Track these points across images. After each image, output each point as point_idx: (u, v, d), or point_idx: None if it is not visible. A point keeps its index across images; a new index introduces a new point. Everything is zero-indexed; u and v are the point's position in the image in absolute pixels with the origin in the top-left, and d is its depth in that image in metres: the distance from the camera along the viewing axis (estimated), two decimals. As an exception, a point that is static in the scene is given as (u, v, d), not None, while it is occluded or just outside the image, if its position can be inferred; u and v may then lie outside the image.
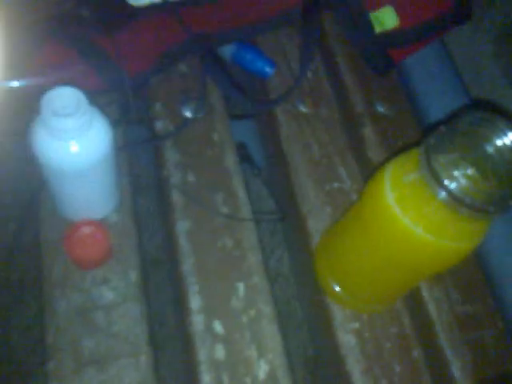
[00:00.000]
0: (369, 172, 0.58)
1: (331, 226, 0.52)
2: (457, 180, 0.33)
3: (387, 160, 0.59)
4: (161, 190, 0.53)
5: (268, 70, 0.60)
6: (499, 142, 0.35)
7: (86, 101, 0.37)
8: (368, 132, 0.61)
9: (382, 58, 0.57)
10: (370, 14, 0.54)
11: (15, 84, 0.44)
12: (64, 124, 0.37)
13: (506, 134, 0.34)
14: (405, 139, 0.62)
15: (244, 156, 0.63)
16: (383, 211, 0.38)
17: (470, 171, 0.33)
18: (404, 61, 0.67)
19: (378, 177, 0.39)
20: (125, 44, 0.49)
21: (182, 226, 0.51)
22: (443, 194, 0.34)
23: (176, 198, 0.52)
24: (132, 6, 0.49)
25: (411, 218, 0.36)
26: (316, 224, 0.54)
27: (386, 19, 0.53)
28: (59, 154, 0.38)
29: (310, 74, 0.63)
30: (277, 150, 0.60)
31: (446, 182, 0.33)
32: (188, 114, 0.57)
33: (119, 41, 0.49)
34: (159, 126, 0.56)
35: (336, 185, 0.57)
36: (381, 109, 0.63)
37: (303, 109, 0.61)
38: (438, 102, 0.67)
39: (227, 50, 0.60)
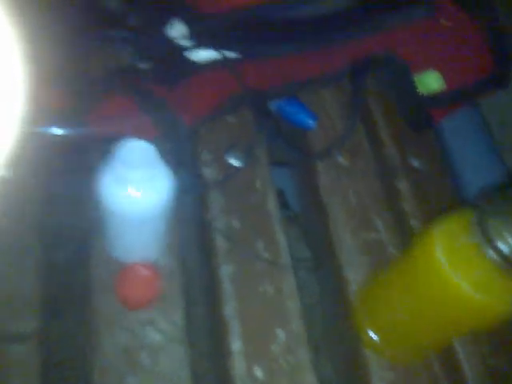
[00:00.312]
0: (404, 224, 0.61)
1: (373, 276, 0.54)
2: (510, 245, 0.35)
3: (421, 211, 0.62)
4: (205, 233, 0.56)
5: (310, 123, 0.63)
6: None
7: (154, 154, 0.40)
8: (403, 185, 0.64)
9: (422, 117, 0.60)
10: (415, 76, 0.57)
11: (77, 132, 0.47)
12: (133, 175, 0.39)
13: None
14: (438, 194, 0.64)
15: (281, 202, 0.65)
16: (433, 271, 0.40)
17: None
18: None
19: (427, 238, 0.41)
20: (182, 96, 0.52)
21: (225, 270, 0.53)
22: (497, 258, 0.36)
23: (220, 242, 0.54)
24: (193, 61, 0.52)
25: (463, 279, 0.38)
26: (353, 273, 0.56)
27: (431, 82, 0.56)
28: (124, 201, 0.41)
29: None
30: (315, 198, 0.62)
31: (501, 247, 0.35)
32: (234, 163, 0.59)
33: (177, 92, 0.52)
34: (206, 172, 0.58)
35: (372, 235, 0.59)
36: (415, 163, 0.66)
37: (341, 160, 0.63)
38: (471, 160, 0.69)
39: (273, 102, 0.63)
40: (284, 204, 0.66)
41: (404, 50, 0.56)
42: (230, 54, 0.53)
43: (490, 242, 0.35)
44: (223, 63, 0.52)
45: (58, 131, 0.46)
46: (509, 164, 0.71)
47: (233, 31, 0.53)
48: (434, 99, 0.57)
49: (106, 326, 0.49)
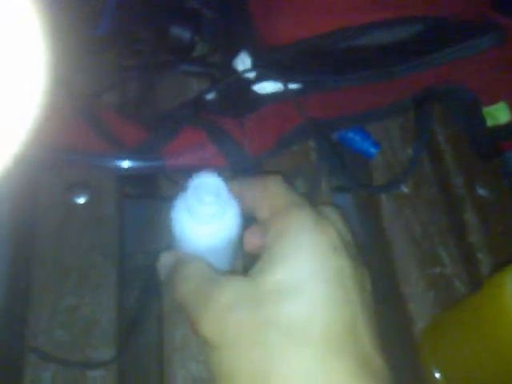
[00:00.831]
0: (471, 258, 0.59)
1: (439, 313, 0.53)
2: None
3: (488, 244, 0.60)
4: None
5: (372, 151, 0.62)
6: None
7: (226, 190, 0.40)
8: (469, 216, 0.62)
9: (490, 148, 0.58)
10: (484, 109, 0.55)
11: (152, 164, 0.49)
12: (206, 210, 0.40)
13: None
14: (506, 225, 0.62)
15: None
16: (502, 319, 0.38)
17: None
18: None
19: (497, 283, 0.40)
20: (248, 127, 0.53)
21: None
22: None
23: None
24: (257, 94, 0.53)
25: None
26: (418, 308, 0.55)
27: (499, 115, 0.54)
28: (196, 234, 0.42)
29: (411, 153, 0.65)
30: (377, 228, 0.61)
31: None
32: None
33: (243, 124, 0.53)
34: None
35: (438, 269, 0.58)
36: (482, 192, 0.64)
37: (405, 189, 0.62)
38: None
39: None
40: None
41: (472, 81, 0.55)
42: (294, 86, 0.53)
43: None
44: (287, 95, 0.52)
45: (133, 166, 0.47)
46: None
47: (296, 63, 0.53)
48: (501, 131, 0.55)
49: (178, 354, 0.49)
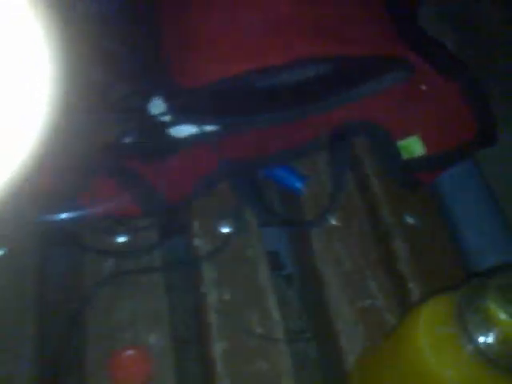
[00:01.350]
0: (402, 288, 0.59)
1: (367, 348, 0.53)
2: (491, 339, 0.34)
3: (419, 273, 0.60)
4: (198, 309, 0.55)
5: (299, 185, 0.62)
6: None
7: None
8: (397, 245, 0.63)
9: (409, 180, 0.59)
10: (398, 143, 0.56)
11: (62, 216, 0.47)
12: None
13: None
14: (437, 252, 0.63)
15: (276, 265, 0.65)
16: (416, 357, 0.38)
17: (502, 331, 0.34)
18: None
19: (412, 320, 0.40)
20: (165, 172, 0.52)
21: (219, 348, 0.52)
22: (477, 353, 0.34)
23: (213, 317, 0.53)
24: (173, 138, 0.52)
25: (445, 370, 0.36)
26: (349, 343, 0.54)
27: (413, 148, 0.56)
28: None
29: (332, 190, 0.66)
30: (308, 263, 0.61)
31: (480, 341, 0.34)
32: (225, 231, 0.59)
33: (160, 169, 0.52)
34: (197, 243, 0.58)
35: (368, 302, 0.58)
36: (410, 220, 0.65)
37: (334, 222, 0.63)
38: (469, 215, 0.68)
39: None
40: (279, 266, 0.65)
41: (384, 116, 0.56)
42: (211, 128, 0.53)
43: (469, 336, 0.34)
44: (204, 138, 0.52)
45: (53, 218, 0.46)
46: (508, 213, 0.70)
47: (211, 105, 0.53)
48: (418, 164, 0.56)
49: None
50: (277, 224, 0.60)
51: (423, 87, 0.55)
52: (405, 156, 0.57)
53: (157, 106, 0.53)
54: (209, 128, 0.54)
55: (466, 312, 0.35)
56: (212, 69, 0.53)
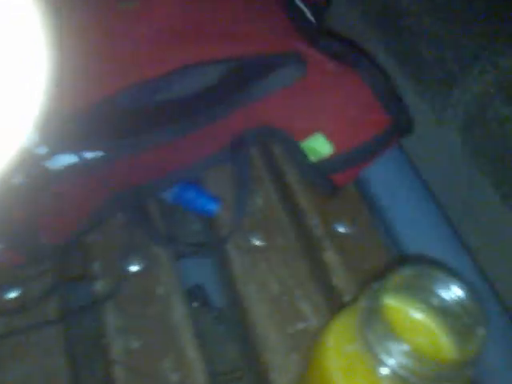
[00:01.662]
0: (337, 303, 0.53)
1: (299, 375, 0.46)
2: (396, 354, 0.28)
3: (355, 284, 0.55)
4: (103, 363, 0.48)
5: (212, 207, 0.56)
6: (445, 295, 0.30)
7: None
8: (329, 256, 0.57)
9: (325, 184, 0.53)
10: (301, 144, 0.51)
11: None
12: None
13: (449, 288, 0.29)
14: (372, 258, 0.57)
15: (201, 300, 0.58)
16: (325, 380, 0.32)
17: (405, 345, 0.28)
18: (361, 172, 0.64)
19: (321, 339, 0.34)
20: (44, 212, 0.45)
21: (126, 406, 0.44)
22: (384, 369, 0.28)
23: (118, 371, 0.46)
24: (50, 170, 0.46)
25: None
26: (279, 376, 0.48)
27: (320, 147, 0.50)
28: None
29: (260, 202, 0.60)
30: (231, 290, 0.55)
31: (384, 358, 0.28)
32: (131, 268, 0.52)
33: (39, 208, 0.45)
34: (99, 286, 0.51)
35: (301, 325, 0.51)
36: (341, 229, 0.59)
37: (256, 242, 0.57)
38: (402, 210, 0.63)
39: (168, 191, 0.57)
40: (205, 302, 0.58)
41: (283, 117, 0.50)
42: (94, 155, 0.47)
43: (372, 352, 0.28)
44: (86, 166, 0.46)
45: None
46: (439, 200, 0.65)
47: (92, 129, 0.47)
48: (327, 164, 0.51)
49: None
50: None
51: (321, 81, 0.50)
52: (313, 158, 0.51)
53: (27, 138, 0.46)
54: (91, 155, 0.48)
55: (366, 324, 0.29)
56: (84, 91, 0.47)
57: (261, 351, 0.49)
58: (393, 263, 0.56)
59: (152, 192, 0.51)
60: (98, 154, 0.48)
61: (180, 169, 0.50)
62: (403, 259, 0.58)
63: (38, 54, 0.18)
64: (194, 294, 0.58)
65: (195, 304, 0.58)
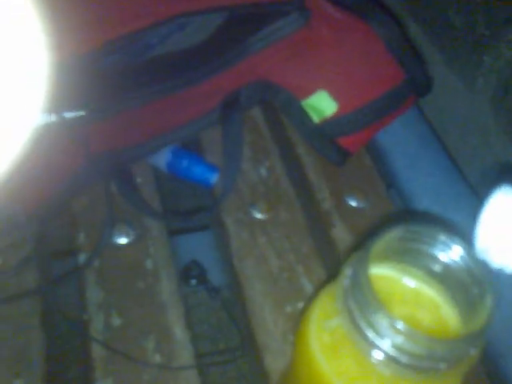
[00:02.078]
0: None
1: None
2: (384, 330, 0.23)
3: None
4: (82, 340, 0.44)
5: (209, 176, 0.52)
6: (446, 259, 0.24)
7: None
8: (338, 231, 0.51)
9: (331, 149, 0.48)
10: (303, 102, 0.45)
11: None
12: None
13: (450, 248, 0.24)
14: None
15: (198, 277, 0.54)
16: (307, 361, 0.27)
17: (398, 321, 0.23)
18: (377, 141, 0.59)
19: (305, 316, 0.29)
20: (23, 174, 0.42)
21: (102, 387, 0.40)
22: (372, 350, 0.23)
23: (96, 350, 0.42)
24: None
25: (337, 373, 0.25)
26: (274, 360, 0.43)
27: (323, 106, 0.45)
28: None
29: (263, 172, 0.55)
30: (229, 267, 0.50)
31: (370, 335, 0.23)
32: (118, 241, 0.48)
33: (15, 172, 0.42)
34: (83, 259, 0.47)
35: (300, 304, 0.46)
36: (353, 202, 0.54)
37: (257, 215, 0.52)
38: (423, 184, 0.57)
39: (162, 159, 0.53)
40: (203, 279, 0.54)
41: (282, 73, 0.45)
42: (73, 115, 0.43)
43: (356, 328, 0.23)
44: (64, 127, 0.42)
45: None
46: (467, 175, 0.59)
47: (73, 85, 0.43)
48: (333, 126, 0.45)
49: None
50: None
51: (327, 32, 0.44)
52: (316, 119, 0.46)
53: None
54: (70, 115, 0.44)
55: (349, 296, 0.24)
56: (67, 42, 0.43)
57: (256, 331, 0.45)
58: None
59: (138, 156, 0.46)
60: (79, 113, 0.44)
61: (170, 131, 0.45)
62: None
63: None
64: (191, 270, 0.54)
65: (193, 282, 0.54)
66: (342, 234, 0.51)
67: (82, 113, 0.44)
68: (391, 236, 0.25)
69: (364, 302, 0.23)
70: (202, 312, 0.51)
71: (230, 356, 0.48)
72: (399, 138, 0.60)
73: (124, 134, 0.45)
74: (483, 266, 0.23)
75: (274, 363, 0.43)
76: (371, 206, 0.54)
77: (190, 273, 0.53)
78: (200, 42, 0.45)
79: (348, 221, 0.52)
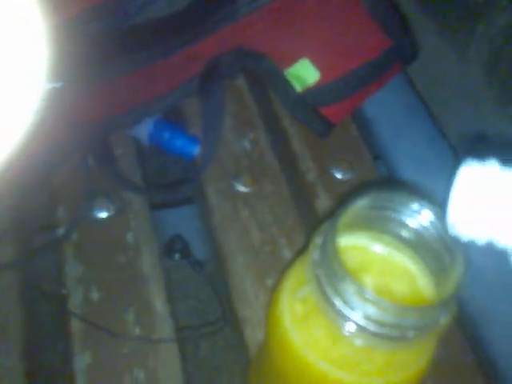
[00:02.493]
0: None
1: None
2: (353, 299, 0.22)
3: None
4: (60, 315, 0.43)
5: (192, 149, 0.51)
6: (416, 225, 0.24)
7: None
8: (322, 204, 0.51)
9: (314, 119, 0.47)
10: (286, 71, 0.44)
11: None
12: None
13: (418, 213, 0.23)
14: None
15: (182, 251, 0.53)
16: (279, 331, 0.27)
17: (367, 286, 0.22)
18: (364, 111, 0.57)
19: (278, 286, 0.29)
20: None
21: (81, 361, 0.40)
22: (341, 320, 0.23)
23: (75, 324, 0.42)
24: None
25: (306, 341, 0.25)
26: (254, 332, 0.43)
27: (306, 74, 0.43)
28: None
29: (247, 145, 0.54)
30: (211, 240, 0.50)
31: (339, 305, 0.22)
32: (98, 214, 0.48)
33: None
34: (62, 233, 0.47)
35: (282, 277, 0.46)
36: (338, 174, 0.53)
37: (241, 187, 0.51)
38: (411, 155, 0.56)
39: (143, 130, 0.51)
40: (186, 253, 0.54)
41: (263, 40, 0.44)
42: (50, 85, 0.42)
43: (325, 297, 0.22)
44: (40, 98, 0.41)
45: None
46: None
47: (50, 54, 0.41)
48: (316, 94, 0.44)
49: None
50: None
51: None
52: (298, 88, 0.45)
53: None
54: (48, 85, 0.42)
55: (318, 266, 0.23)
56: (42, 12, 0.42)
57: (237, 304, 0.44)
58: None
59: (117, 127, 0.45)
60: (56, 84, 0.43)
61: (150, 101, 0.44)
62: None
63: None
64: (175, 244, 0.53)
65: (176, 256, 0.54)
66: (326, 206, 0.51)
67: (59, 83, 0.43)
68: (361, 204, 0.24)
69: (331, 271, 0.22)
70: (186, 286, 0.50)
71: (212, 329, 0.48)
72: (386, 108, 0.59)
73: (103, 104, 0.44)
74: (451, 229, 0.22)
75: (254, 335, 0.42)
76: (357, 177, 0.53)
77: (174, 247, 0.53)
78: (180, 9, 0.44)
79: (333, 192, 0.52)
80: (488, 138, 0.55)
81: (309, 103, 0.44)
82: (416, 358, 0.25)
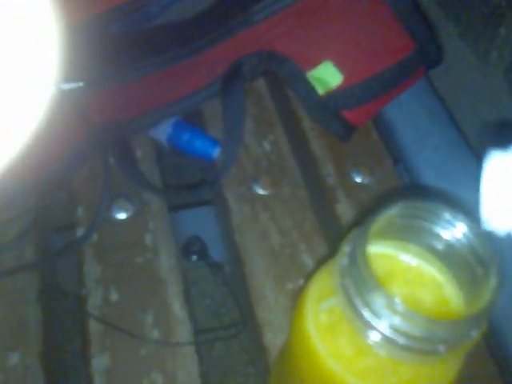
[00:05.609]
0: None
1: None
2: (382, 310, 0.22)
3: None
4: (79, 315, 0.43)
5: (211, 150, 0.51)
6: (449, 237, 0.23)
7: None
8: (342, 207, 0.50)
9: (336, 123, 0.46)
10: (308, 74, 0.44)
11: None
12: None
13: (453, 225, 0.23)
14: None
15: (199, 253, 0.53)
16: (303, 340, 0.26)
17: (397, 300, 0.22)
18: (385, 115, 0.57)
19: (303, 293, 0.28)
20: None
21: (99, 363, 0.40)
22: (369, 331, 0.22)
23: (93, 325, 0.42)
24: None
25: (331, 351, 0.24)
26: (274, 336, 0.42)
27: (329, 77, 0.43)
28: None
29: (267, 147, 0.54)
30: (230, 242, 0.49)
31: (367, 315, 0.22)
32: (117, 216, 0.48)
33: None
34: (82, 234, 0.47)
35: (301, 282, 0.46)
36: (358, 178, 0.52)
37: (260, 190, 0.51)
38: (432, 160, 0.55)
39: (163, 132, 0.51)
40: (204, 255, 0.53)
41: (286, 42, 0.43)
42: (71, 86, 0.42)
43: (352, 307, 0.22)
44: (61, 98, 0.41)
45: None
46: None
47: (72, 54, 0.41)
48: (338, 98, 0.43)
49: None
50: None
51: (332, 0, 0.42)
52: (321, 91, 0.44)
53: None
54: (68, 86, 0.42)
55: (346, 275, 0.23)
56: (68, 6, 0.41)
57: (256, 308, 0.44)
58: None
59: (138, 128, 0.45)
60: (78, 84, 0.43)
61: (171, 102, 0.44)
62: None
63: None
64: (192, 246, 0.53)
65: (194, 257, 0.53)
66: (346, 211, 0.50)
67: (80, 84, 0.43)
68: (392, 213, 0.24)
69: (360, 281, 0.22)
70: (204, 288, 0.50)
71: (230, 332, 0.47)
72: (408, 112, 0.58)
73: (124, 105, 0.44)
74: (488, 244, 0.22)
75: (274, 339, 0.42)
76: (377, 181, 0.52)
77: (191, 248, 0.53)
78: (202, 11, 0.44)
79: (353, 197, 0.51)
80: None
81: (330, 106, 0.44)
82: (443, 373, 0.24)
